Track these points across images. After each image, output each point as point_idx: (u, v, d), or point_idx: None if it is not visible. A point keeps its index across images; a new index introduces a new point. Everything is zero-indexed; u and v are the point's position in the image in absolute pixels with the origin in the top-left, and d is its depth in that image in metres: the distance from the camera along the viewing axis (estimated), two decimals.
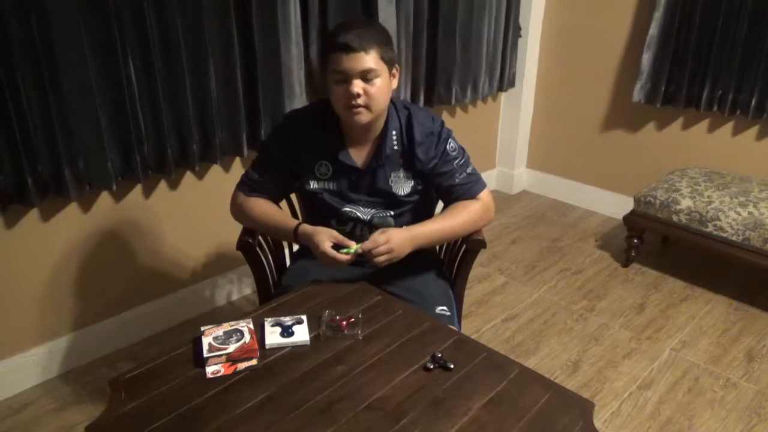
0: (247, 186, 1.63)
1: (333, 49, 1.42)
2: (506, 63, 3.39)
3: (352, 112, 1.45)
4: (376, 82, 1.44)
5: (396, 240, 1.46)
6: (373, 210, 1.63)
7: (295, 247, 1.90)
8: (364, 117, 1.47)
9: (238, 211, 1.64)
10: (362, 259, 1.48)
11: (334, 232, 1.49)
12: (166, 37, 2.00)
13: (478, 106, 3.50)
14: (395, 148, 1.57)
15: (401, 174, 1.60)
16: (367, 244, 1.45)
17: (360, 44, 1.39)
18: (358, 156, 1.58)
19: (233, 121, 2.27)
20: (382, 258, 1.45)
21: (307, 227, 1.51)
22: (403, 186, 1.61)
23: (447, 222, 1.59)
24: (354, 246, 1.45)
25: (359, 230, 1.65)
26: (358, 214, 1.62)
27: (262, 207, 1.61)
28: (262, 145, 1.71)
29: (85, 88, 1.86)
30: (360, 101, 1.43)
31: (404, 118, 1.58)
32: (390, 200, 1.62)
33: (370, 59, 1.41)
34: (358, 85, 1.42)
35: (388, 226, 1.59)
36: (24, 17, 1.70)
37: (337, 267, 1.47)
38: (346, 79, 1.42)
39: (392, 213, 1.63)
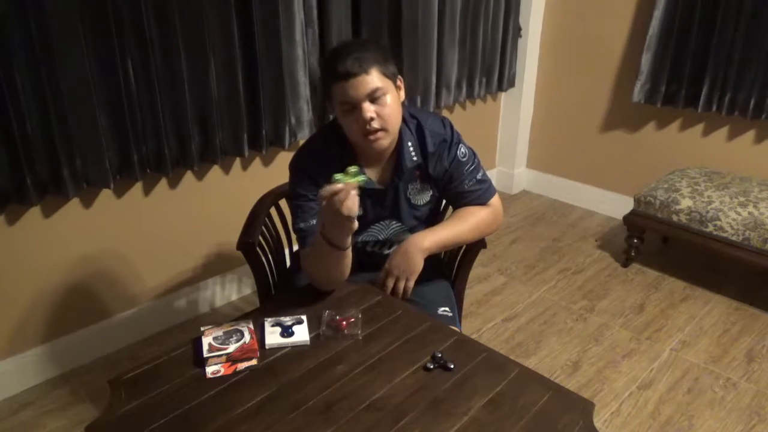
0: (301, 240, 1.48)
1: (334, 79, 1.35)
2: (506, 63, 3.39)
3: (370, 139, 1.38)
4: (385, 101, 1.37)
5: (396, 262, 1.49)
6: (390, 225, 1.61)
7: (295, 247, 1.90)
8: (384, 141, 1.40)
9: (308, 267, 1.46)
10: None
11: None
12: (166, 36, 2.00)
13: (477, 106, 3.50)
14: (414, 159, 1.51)
15: (418, 185, 1.57)
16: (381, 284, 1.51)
17: (360, 67, 1.33)
18: (376, 175, 1.53)
19: (234, 122, 2.27)
20: (400, 285, 1.50)
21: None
22: (422, 196, 1.60)
23: (457, 228, 1.57)
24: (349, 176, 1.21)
25: (378, 249, 1.65)
26: (378, 235, 1.62)
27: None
28: (291, 194, 1.54)
29: (84, 87, 1.86)
30: (375, 125, 1.36)
31: (414, 128, 1.52)
32: (409, 213, 1.60)
33: (373, 79, 1.35)
34: (368, 109, 1.35)
35: (402, 240, 1.56)
36: (22, 16, 1.70)
37: (342, 204, 1.20)
38: (356, 106, 1.35)
39: (409, 225, 1.62)
